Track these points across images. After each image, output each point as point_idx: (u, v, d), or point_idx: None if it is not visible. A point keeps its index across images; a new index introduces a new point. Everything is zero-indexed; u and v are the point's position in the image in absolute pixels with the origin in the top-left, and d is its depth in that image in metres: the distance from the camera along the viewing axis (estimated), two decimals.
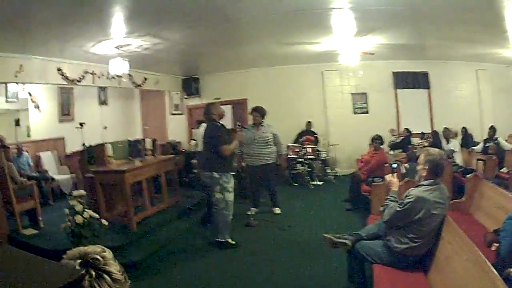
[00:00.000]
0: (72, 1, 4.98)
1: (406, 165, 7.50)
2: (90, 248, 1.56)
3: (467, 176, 6.82)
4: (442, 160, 3.84)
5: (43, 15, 5.41)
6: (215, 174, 6.12)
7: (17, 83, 8.71)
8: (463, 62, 12.05)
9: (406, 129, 11.31)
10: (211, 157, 6.18)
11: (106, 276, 1.51)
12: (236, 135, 6.62)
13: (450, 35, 8.49)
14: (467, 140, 10.46)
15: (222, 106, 7.14)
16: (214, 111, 6.38)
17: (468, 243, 3.10)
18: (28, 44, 6.83)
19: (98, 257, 1.53)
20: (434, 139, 8.49)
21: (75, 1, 4.99)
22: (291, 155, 11.03)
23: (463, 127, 10.78)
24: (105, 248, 1.60)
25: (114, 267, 1.56)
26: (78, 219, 5.14)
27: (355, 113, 12.71)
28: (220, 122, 6.49)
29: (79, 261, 1.49)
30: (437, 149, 3.98)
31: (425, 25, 7.60)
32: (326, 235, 4.42)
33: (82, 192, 5.53)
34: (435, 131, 10.07)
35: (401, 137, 11.28)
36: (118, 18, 5.97)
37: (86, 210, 5.30)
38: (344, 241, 4.25)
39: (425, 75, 12.38)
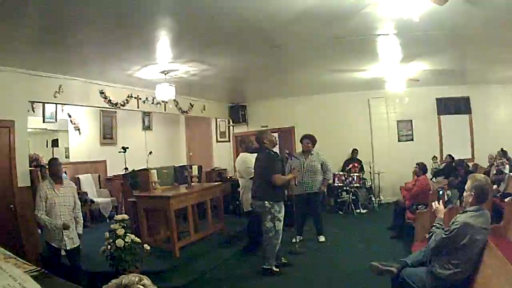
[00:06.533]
0: (113, 22, 4.91)
1: (448, 192, 7.34)
2: (126, 279, 1.54)
3: (506, 200, 6.64)
4: (487, 186, 3.78)
5: (83, 34, 5.30)
6: (267, 203, 6.08)
7: (56, 103, 8.71)
8: (501, 85, 11.65)
9: (449, 155, 10.97)
10: (263, 185, 6.14)
11: None
12: (292, 171, 6.54)
13: (489, 56, 8.28)
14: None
15: None
16: (266, 139, 6.35)
17: (507, 266, 3.09)
18: (67, 64, 6.76)
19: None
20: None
21: (117, 23, 4.93)
22: (337, 183, 10.96)
23: (502, 150, 9.86)
24: (142, 276, 1.58)
25: None
26: (120, 242, 5.16)
27: (399, 141, 12.51)
28: (273, 150, 6.44)
29: None
30: (483, 175, 3.90)
31: (466, 47, 7.45)
32: (373, 263, 4.45)
33: (125, 216, 5.59)
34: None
35: (444, 164, 11.03)
36: (164, 42, 6.00)
37: (128, 234, 5.32)
38: (390, 268, 4.29)
39: (466, 100, 12.10)
